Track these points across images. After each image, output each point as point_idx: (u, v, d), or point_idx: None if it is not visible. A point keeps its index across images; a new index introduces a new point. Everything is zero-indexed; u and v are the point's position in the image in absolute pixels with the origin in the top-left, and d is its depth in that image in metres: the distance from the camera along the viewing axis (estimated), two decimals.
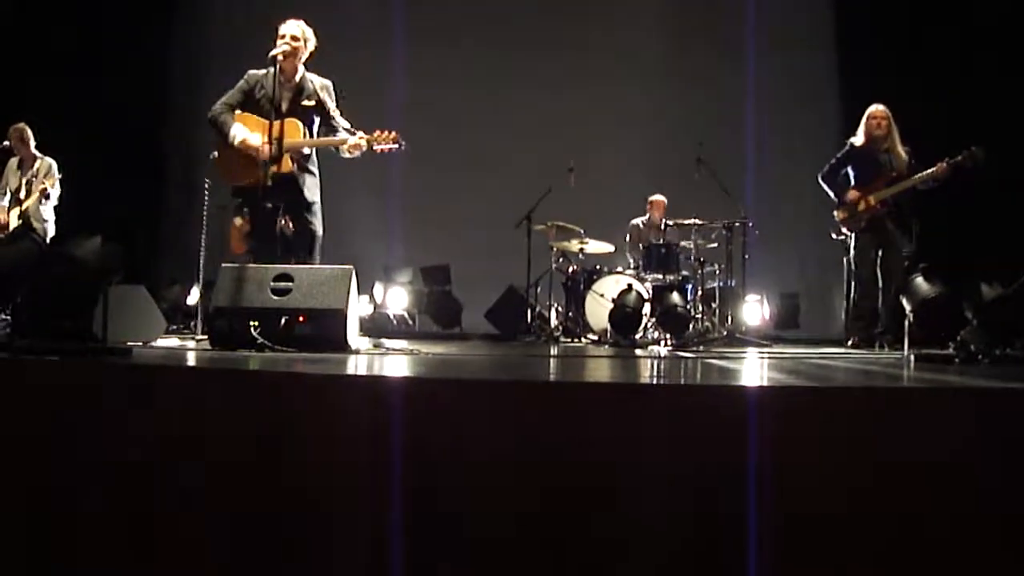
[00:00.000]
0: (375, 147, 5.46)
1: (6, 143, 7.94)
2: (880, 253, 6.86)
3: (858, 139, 7.02)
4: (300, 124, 5.47)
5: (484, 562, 2.36)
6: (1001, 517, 2.25)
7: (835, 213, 7.08)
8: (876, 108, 6.96)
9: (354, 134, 5.51)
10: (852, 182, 7.03)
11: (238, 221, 7.94)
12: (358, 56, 9.62)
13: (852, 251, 7.01)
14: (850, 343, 6.81)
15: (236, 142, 5.46)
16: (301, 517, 2.48)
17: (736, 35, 11.17)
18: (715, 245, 8.83)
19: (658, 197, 9.54)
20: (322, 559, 2.45)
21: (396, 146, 5.46)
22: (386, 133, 5.46)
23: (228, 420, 2.62)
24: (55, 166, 8.03)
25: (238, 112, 5.58)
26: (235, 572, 2.53)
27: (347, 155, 5.55)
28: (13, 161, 8.06)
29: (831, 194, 7.11)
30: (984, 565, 2.24)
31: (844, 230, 7.05)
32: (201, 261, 7.27)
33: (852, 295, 7.00)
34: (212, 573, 2.54)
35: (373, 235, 10.54)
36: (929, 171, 6.64)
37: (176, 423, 2.65)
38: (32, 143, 8.00)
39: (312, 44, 5.63)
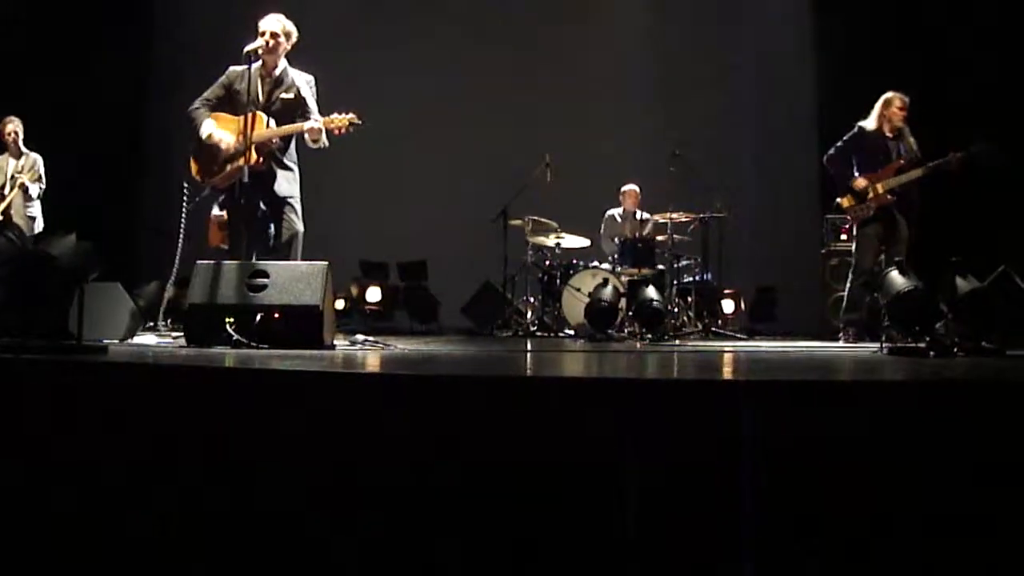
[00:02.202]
0: (331, 128, 5.39)
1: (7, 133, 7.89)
2: (887, 246, 6.61)
3: (870, 124, 6.68)
4: (266, 118, 5.43)
5: (463, 561, 2.36)
6: (978, 510, 2.27)
7: (839, 200, 6.78)
8: (899, 96, 6.66)
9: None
10: (855, 167, 6.72)
11: (215, 212, 7.91)
12: (333, 51, 9.55)
13: (855, 240, 6.75)
14: (842, 337, 6.59)
15: (204, 136, 5.45)
16: (274, 515, 2.48)
17: (713, 31, 11.22)
18: (690, 239, 8.87)
19: (630, 187, 9.47)
20: (293, 559, 2.44)
21: (351, 127, 5.39)
22: (341, 116, 5.41)
23: (203, 417, 2.61)
24: (40, 161, 7.95)
25: (212, 113, 5.55)
26: (208, 571, 2.52)
27: (313, 145, 5.47)
28: (1, 157, 7.97)
29: (835, 176, 6.82)
30: (958, 560, 2.26)
31: (848, 217, 6.82)
32: (177, 259, 7.22)
33: (848, 285, 6.71)
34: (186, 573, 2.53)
35: (349, 231, 10.46)
36: (940, 160, 6.42)
37: (150, 421, 2.64)
38: (21, 138, 7.92)
39: (294, 37, 5.58)
